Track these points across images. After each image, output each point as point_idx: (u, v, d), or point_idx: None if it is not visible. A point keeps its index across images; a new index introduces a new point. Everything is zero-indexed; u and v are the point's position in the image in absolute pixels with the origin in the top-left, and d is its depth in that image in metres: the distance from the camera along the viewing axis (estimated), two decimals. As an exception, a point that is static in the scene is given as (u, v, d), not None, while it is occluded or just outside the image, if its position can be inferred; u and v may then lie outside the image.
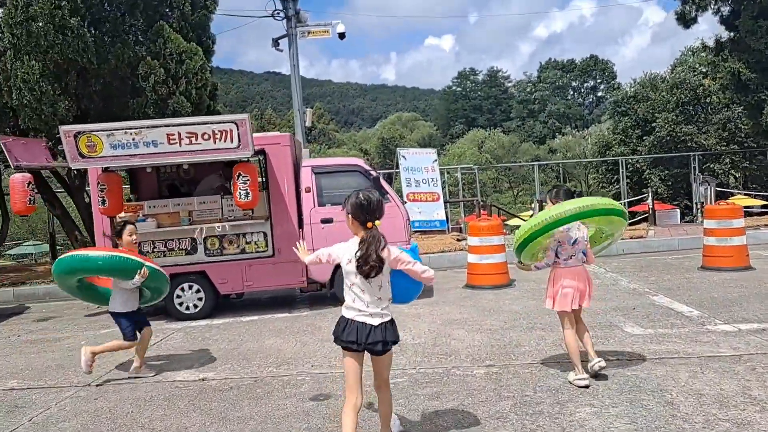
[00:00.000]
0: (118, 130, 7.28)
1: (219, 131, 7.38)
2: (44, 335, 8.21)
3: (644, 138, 36.15)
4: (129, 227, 5.91)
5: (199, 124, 7.37)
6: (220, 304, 9.06)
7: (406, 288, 3.70)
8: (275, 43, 18.50)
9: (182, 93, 12.16)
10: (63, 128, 7.26)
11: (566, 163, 46.84)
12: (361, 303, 3.48)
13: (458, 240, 14.14)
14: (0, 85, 10.63)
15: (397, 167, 16.28)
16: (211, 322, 8.35)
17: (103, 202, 7.99)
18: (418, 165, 15.99)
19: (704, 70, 30.94)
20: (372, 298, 3.48)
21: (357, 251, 3.41)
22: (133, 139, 7.32)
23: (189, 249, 8.62)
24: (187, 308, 8.60)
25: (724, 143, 28.26)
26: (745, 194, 24.97)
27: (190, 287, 8.60)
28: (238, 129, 7.38)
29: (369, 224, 3.43)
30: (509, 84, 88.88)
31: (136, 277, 5.54)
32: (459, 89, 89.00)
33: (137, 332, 5.85)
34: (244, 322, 8.15)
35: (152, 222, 8.51)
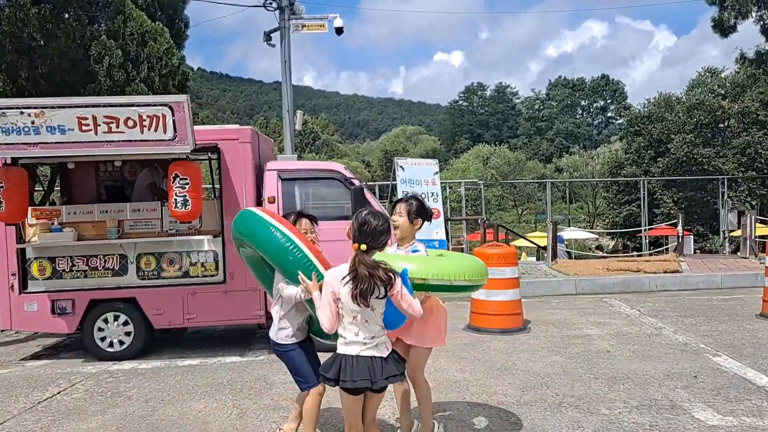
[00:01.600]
0: (11, 108, 5.42)
1: (148, 116, 5.51)
2: None
3: (658, 159, 34.59)
4: (304, 221, 3.94)
5: (121, 105, 5.51)
6: (156, 340, 7.17)
7: (391, 315, 3.25)
8: (267, 37, 16.65)
9: (143, 80, 10.32)
10: (-63, 103, 5.40)
11: (573, 182, 44.93)
12: (365, 334, 3.13)
13: (460, 265, 12.22)
14: None
15: (395, 178, 14.40)
16: (138, 365, 6.44)
17: (0, 204, 6.11)
18: (418, 177, 14.09)
19: (722, 92, 29.48)
20: (376, 327, 3.16)
21: (350, 279, 3.07)
22: (33, 123, 5.46)
23: (117, 269, 6.73)
24: (111, 345, 6.70)
25: (743, 168, 26.65)
26: (761, 221, 23.13)
27: (116, 318, 6.70)
28: (173, 115, 5.52)
29: (355, 246, 3.13)
30: (517, 100, 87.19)
31: (299, 287, 3.52)
32: (465, 104, 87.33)
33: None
34: (179, 369, 6.24)
35: (70, 232, 6.62)
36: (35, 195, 11.45)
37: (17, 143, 5.50)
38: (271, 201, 6.69)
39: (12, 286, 6.58)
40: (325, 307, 3.18)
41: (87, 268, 6.71)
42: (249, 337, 7.71)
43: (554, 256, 13.17)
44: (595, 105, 79.98)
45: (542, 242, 18.55)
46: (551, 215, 18.65)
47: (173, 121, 5.53)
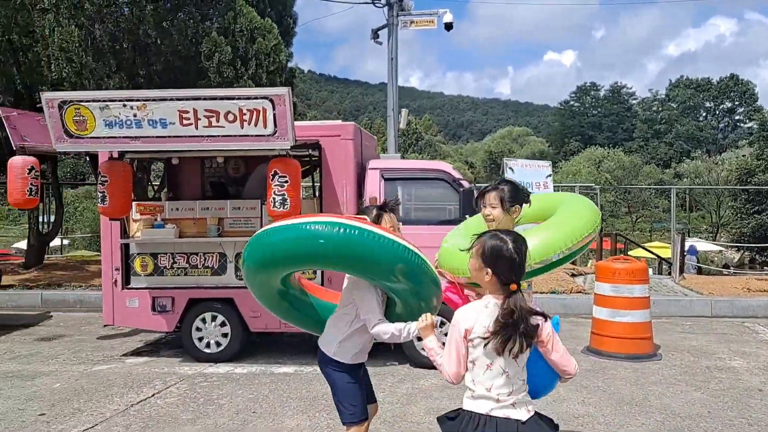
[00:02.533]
0: (114, 101, 5.28)
1: (248, 110, 5.20)
2: (23, 366, 6.38)
3: (795, 166, 31.56)
4: (387, 217, 3.27)
5: (221, 98, 5.23)
6: (254, 342, 6.94)
7: (544, 374, 2.54)
8: (374, 34, 16.41)
9: (251, 76, 10.25)
10: (45, 95, 5.36)
11: (697, 189, 41.68)
12: (502, 389, 2.38)
13: (573, 276, 11.29)
14: (39, 54, 9.15)
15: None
16: (234, 369, 6.20)
17: (104, 198, 6.04)
18: (529, 179, 13.20)
19: None
20: (515, 381, 2.41)
21: (497, 318, 2.34)
22: (135, 116, 5.29)
23: (216, 268, 6.54)
24: (208, 345, 6.51)
25: None
26: None
27: (214, 318, 6.51)
28: (274, 108, 5.17)
29: (513, 286, 2.37)
30: (633, 101, 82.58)
31: (409, 325, 2.96)
32: (577, 105, 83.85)
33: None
34: (274, 376, 5.92)
35: (172, 229, 6.51)
36: (149, 190, 11.77)
37: (120, 137, 5.36)
38: (372, 201, 6.23)
39: (115, 281, 6.55)
40: (454, 358, 2.45)
41: (187, 265, 6.56)
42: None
43: (681, 270, 11.89)
44: (721, 107, 74.24)
45: (663, 253, 17.05)
46: (675, 224, 17.09)
47: (273, 115, 5.18)
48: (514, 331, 2.35)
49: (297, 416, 4.79)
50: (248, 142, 5.36)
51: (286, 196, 5.49)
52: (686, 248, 14.14)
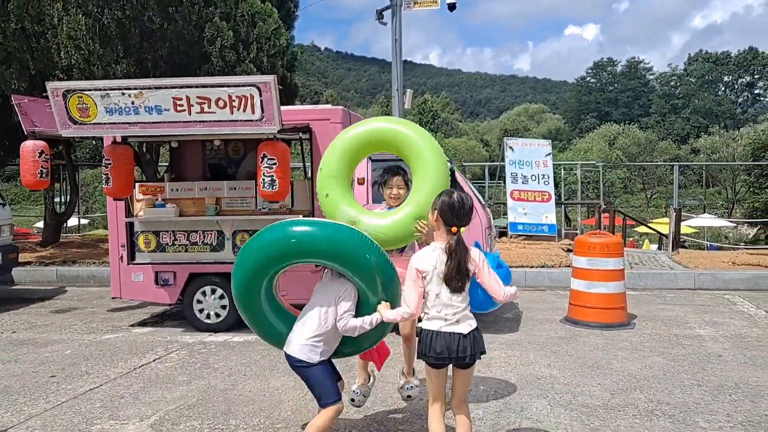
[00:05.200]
0: (114, 89, 5.70)
1: (237, 97, 5.59)
2: (39, 335, 6.92)
3: (814, 139, 31.21)
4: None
5: (212, 86, 5.62)
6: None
7: (482, 299, 3.37)
8: (379, 15, 16.53)
9: (252, 60, 10.61)
10: (50, 85, 5.80)
11: (708, 165, 41.30)
12: (448, 311, 3.21)
13: (567, 250, 11.62)
14: (49, 41, 9.59)
15: (503, 159, 13.92)
16: (232, 338, 6.67)
17: (107, 180, 6.50)
18: (528, 158, 13.53)
19: None
20: (458, 305, 3.23)
21: (445, 262, 3.18)
22: (133, 103, 5.71)
23: (214, 245, 6.99)
24: (208, 317, 6.99)
25: None
26: None
27: (213, 291, 6.98)
28: (260, 95, 5.56)
29: (454, 229, 3.21)
30: (651, 76, 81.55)
31: (371, 317, 3.48)
32: (594, 81, 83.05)
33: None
34: (263, 345, 6.35)
35: (173, 208, 6.96)
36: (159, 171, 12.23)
37: (119, 122, 5.79)
38: (361, 182, 6.64)
39: (122, 257, 7.03)
40: (412, 291, 3.22)
41: (188, 242, 7.02)
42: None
43: (676, 245, 12.16)
44: (740, 81, 73.09)
45: (666, 230, 17.24)
46: (678, 200, 17.25)
47: (260, 101, 5.57)
48: (458, 263, 3.15)
49: (283, 377, 5.24)
50: (238, 127, 5.76)
51: (274, 177, 5.89)
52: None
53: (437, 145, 3.78)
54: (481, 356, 3.26)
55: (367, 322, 3.44)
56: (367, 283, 3.43)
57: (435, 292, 3.21)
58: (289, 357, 3.53)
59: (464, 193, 3.32)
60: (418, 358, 3.34)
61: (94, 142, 23.21)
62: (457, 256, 3.15)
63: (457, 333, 3.18)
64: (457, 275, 3.16)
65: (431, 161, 3.68)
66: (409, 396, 4.25)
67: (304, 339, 3.48)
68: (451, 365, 3.27)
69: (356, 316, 3.49)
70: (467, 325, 3.22)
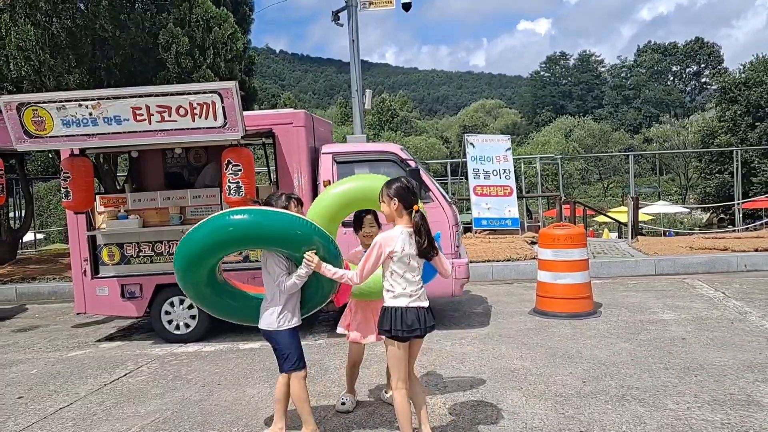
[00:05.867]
0: (70, 101, 5.58)
1: (198, 104, 5.54)
2: (1, 355, 6.71)
3: (756, 126, 32.42)
4: (293, 203, 4.07)
5: (172, 94, 5.56)
6: (222, 322, 7.30)
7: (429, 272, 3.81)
8: (335, 16, 16.53)
9: (209, 66, 10.48)
10: (3, 98, 5.64)
11: (660, 153, 42.47)
12: (412, 287, 3.56)
13: (531, 243, 11.82)
14: (-3, 53, 9.32)
15: (464, 156, 14.07)
16: (203, 347, 6.59)
17: (68, 194, 6.35)
18: (488, 154, 13.71)
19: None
20: (418, 282, 3.61)
21: (420, 236, 3.51)
22: (90, 114, 5.60)
23: (180, 254, 6.88)
24: (177, 327, 6.89)
25: None
26: None
27: (181, 302, 6.88)
28: (222, 102, 5.52)
29: (416, 207, 3.54)
30: (602, 69, 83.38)
31: (301, 270, 3.74)
32: (548, 75, 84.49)
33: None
34: (240, 352, 6.33)
35: (135, 219, 6.84)
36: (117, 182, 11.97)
37: (77, 134, 5.67)
38: (326, 184, 6.61)
39: (85, 271, 6.88)
40: (370, 267, 3.53)
41: (153, 253, 6.91)
42: (312, 319, 7.74)
43: (635, 233, 12.48)
44: (688, 71, 75.35)
45: (624, 218, 17.67)
46: (634, 189, 17.72)
47: (223, 107, 5.53)
48: (426, 239, 3.51)
49: (258, 385, 5.22)
50: (200, 135, 5.71)
51: (240, 184, 5.86)
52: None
53: None
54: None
55: (301, 275, 3.75)
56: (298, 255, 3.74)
57: (401, 272, 3.54)
58: (266, 332, 3.93)
59: (403, 176, 3.89)
60: (382, 333, 3.62)
61: (50, 155, 22.59)
62: (426, 230, 3.52)
63: (423, 306, 3.58)
64: (430, 245, 3.54)
65: None
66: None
67: (268, 311, 3.88)
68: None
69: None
70: (426, 300, 3.63)
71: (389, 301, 3.58)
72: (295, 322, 3.91)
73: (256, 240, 3.74)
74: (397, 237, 3.52)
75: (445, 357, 5.70)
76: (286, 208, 3.93)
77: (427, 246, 3.52)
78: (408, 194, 3.53)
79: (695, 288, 8.36)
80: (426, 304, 3.60)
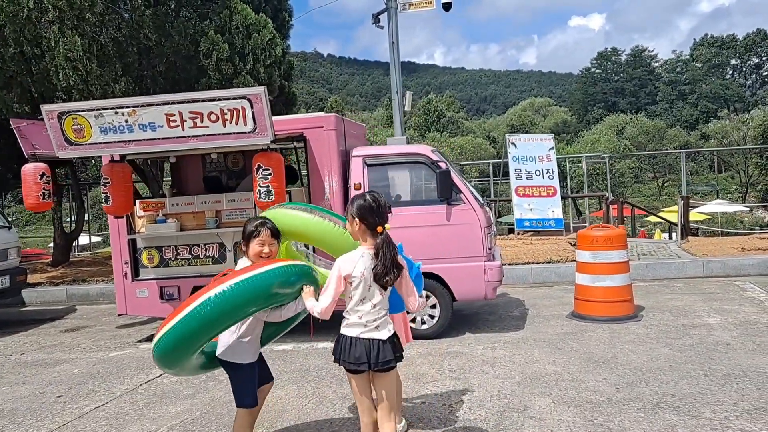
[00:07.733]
0: (107, 109, 5.74)
1: (228, 110, 5.61)
2: (47, 355, 6.98)
3: (825, 119, 30.91)
4: (264, 232, 3.56)
5: (203, 100, 5.65)
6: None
7: (395, 302, 3.44)
8: (375, 19, 16.61)
9: (249, 72, 10.66)
10: (45, 108, 5.85)
11: (717, 150, 40.81)
12: (368, 317, 3.22)
13: (574, 244, 11.52)
14: (47, 64, 9.68)
15: (506, 156, 13.88)
16: (238, 349, 6.68)
17: (107, 198, 6.56)
18: (531, 153, 13.48)
19: None
20: (378, 311, 3.24)
21: (377, 260, 3.14)
22: (126, 121, 5.75)
23: (216, 257, 7.02)
24: (214, 329, 7.01)
25: None
26: None
27: (218, 304, 6.99)
28: (252, 107, 5.58)
29: (379, 228, 3.18)
30: (656, 64, 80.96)
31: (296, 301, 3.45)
32: (599, 71, 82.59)
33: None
34: (273, 353, 6.38)
35: (173, 223, 6.99)
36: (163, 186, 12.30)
37: (115, 141, 5.83)
38: (357, 188, 6.62)
39: (125, 273, 7.08)
40: (331, 295, 3.17)
41: (190, 256, 7.05)
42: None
43: (685, 234, 12.05)
44: (748, 63, 72.41)
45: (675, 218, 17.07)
46: (687, 188, 17.11)
47: (252, 113, 5.59)
48: (388, 260, 3.13)
49: (287, 386, 5.25)
50: (231, 140, 5.78)
51: (270, 188, 5.91)
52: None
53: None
54: (401, 359, 3.30)
55: (291, 309, 3.48)
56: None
57: (359, 298, 3.20)
58: (219, 360, 3.63)
59: (373, 191, 3.33)
60: (335, 362, 3.31)
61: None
62: (386, 255, 3.13)
63: (377, 339, 3.20)
64: (390, 270, 3.13)
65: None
66: None
67: (230, 339, 3.55)
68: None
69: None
70: (387, 331, 3.24)
71: (342, 329, 3.28)
72: (255, 356, 3.65)
73: (242, 308, 3.26)
74: (356, 260, 3.18)
75: (476, 361, 5.62)
76: (256, 236, 3.53)
77: (381, 272, 3.11)
78: (371, 214, 3.16)
79: (745, 291, 8.00)
80: (383, 336, 3.20)
